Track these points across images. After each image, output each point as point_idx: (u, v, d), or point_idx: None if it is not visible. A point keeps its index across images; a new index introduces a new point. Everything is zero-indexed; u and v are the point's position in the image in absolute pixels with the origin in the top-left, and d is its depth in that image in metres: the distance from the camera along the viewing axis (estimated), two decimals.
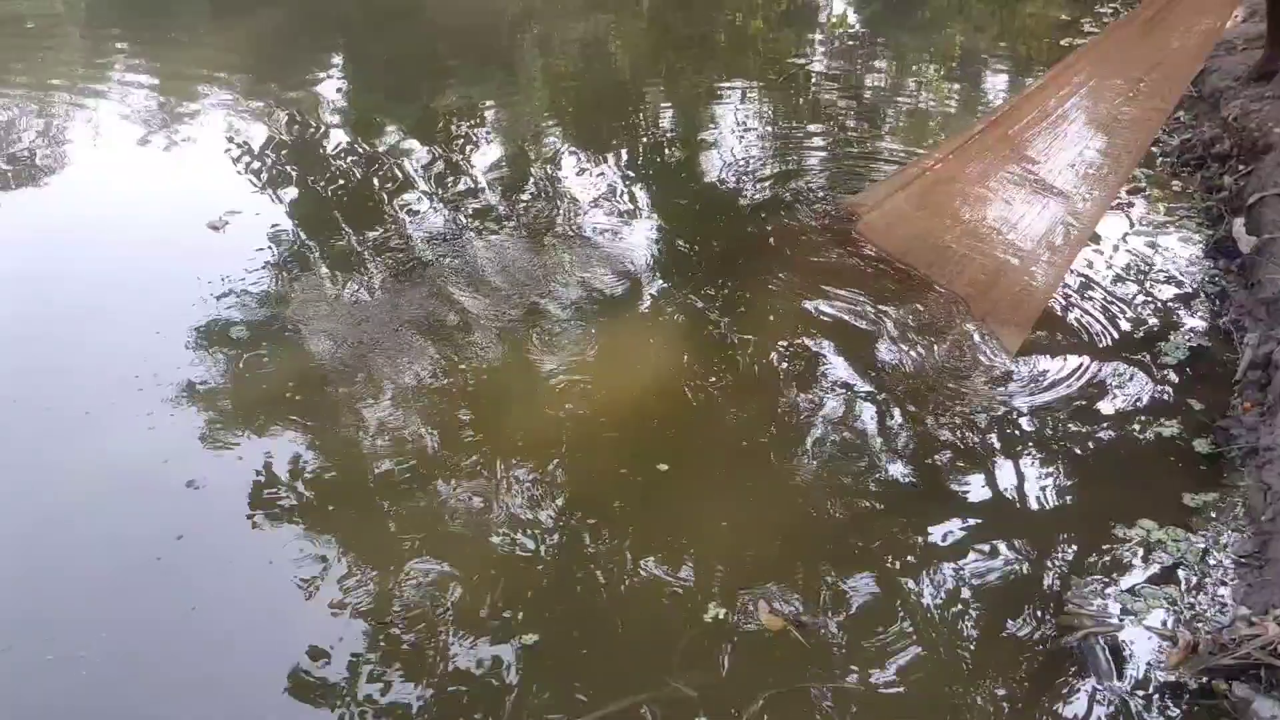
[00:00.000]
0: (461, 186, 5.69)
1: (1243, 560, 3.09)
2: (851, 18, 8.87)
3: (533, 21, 8.54)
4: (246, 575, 3.23)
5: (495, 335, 4.30)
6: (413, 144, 6.24)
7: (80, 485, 3.52)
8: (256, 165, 5.94)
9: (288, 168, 5.96)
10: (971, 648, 2.93)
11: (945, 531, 3.32)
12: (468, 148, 6.23)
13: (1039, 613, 3.02)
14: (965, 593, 3.10)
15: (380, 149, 6.22)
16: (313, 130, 6.49)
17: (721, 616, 3.01)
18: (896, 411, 3.83)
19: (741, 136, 6.25)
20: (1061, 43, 7.59)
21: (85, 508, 3.43)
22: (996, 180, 4.77)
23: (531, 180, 5.72)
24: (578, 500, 3.45)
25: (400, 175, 5.83)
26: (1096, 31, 7.58)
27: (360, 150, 6.23)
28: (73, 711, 2.79)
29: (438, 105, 6.84)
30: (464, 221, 5.24)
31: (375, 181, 5.77)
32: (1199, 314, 4.36)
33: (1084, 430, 3.70)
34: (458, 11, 8.86)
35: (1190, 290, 4.51)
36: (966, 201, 4.79)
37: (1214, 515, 3.29)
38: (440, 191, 5.64)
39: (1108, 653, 2.85)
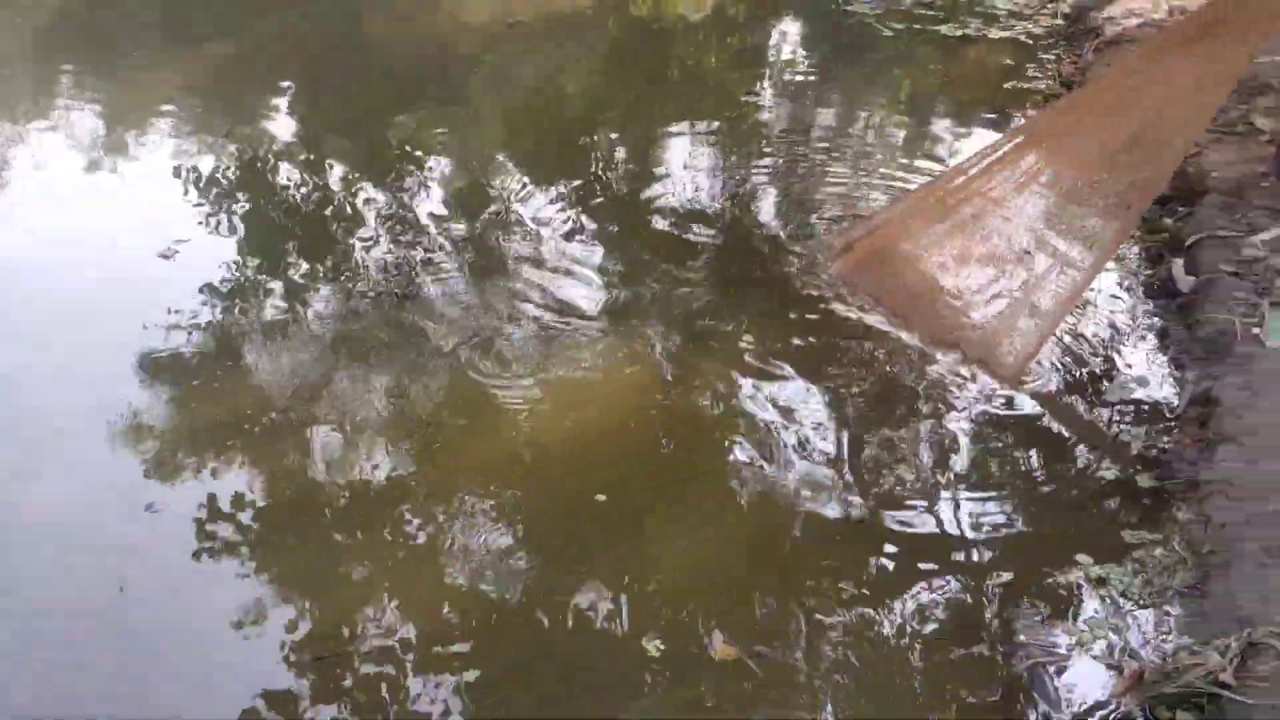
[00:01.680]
0: (413, 218, 5.67)
1: (1184, 592, 3.16)
2: (802, 59, 9.01)
3: (487, 55, 8.57)
4: (189, 614, 3.18)
5: (445, 368, 4.30)
6: (364, 175, 6.22)
7: (18, 520, 3.47)
8: (207, 195, 5.89)
9: (239, 197, 5.92)
10: (921, 678, 2.97)
11: (893, 565, 3.36)
12: (420, 180, 6.22)
13: (987, 644, 3.06)
14: (914, 624, 3.14)
15: (331, 180, 6.21)
16: (263, 161, 6.45)
17: (673, 648, 3.03)
18: (847, 448, 3.87)
19: (696, 173, 6.31)
20: (1005, 85, 7.79)
21: (19, 548, 3.38)
22: (989, 227, 4.81)
23: (484, 213, 5.72)
24: (526, 533, 3.47)
25: (351, 206, 5.82)
26: (1040, 76, 7.79)
27: (311, 181, 6.20)
28: None
29: (390, 137, 6.82)
30: (416, 253, 5.23)
31: (326, 212, 5.76)
32: (1141, 353, 4.46)
33: (1028, 469, 3.77)
34: (411, 46, 8.85)
35: (1131, 330, 4.62)
36: (956, 247, 4.83)
37: (1156, 549, 3.36)
38: (391, 222, 5.62)
39: (1055, 681, 2.91)
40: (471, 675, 2.95)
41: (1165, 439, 3.87)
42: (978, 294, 4.57)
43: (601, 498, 3.60)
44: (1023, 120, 6.97)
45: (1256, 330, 4.05)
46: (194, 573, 3.34)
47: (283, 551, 3.44)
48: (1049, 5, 9.36)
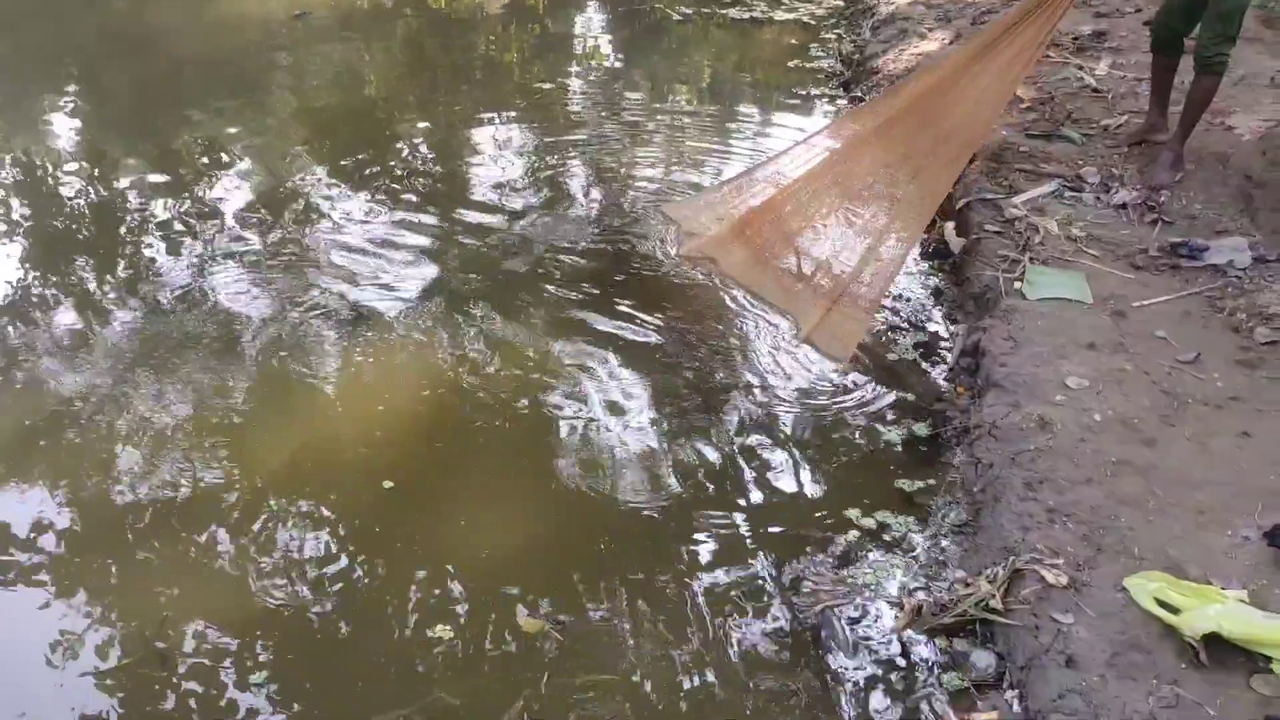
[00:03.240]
0: (209, 220, 5.49)
1: (958, 529, 3.38)
2: (605, 46, 9.10)
3: (281, 51, 8.31)
4: None
5: (245, 369, 4.22)
6: (157, 179, 5.98)
7: None
8: None
9: (22, 208, 5.63)
10: (722, 633, 3.08)
11: (692, 532, 3.45)
12: (215, 180, 6.01)
13: (779, 596, 3.20)
14: (713, 585, 3.25)
15: (121, 185, 5.95)
16: (48, 168, 6.13)
17: (477, 622, 3.06)
18: (651, 425, 3.97)
19: (501, 161, 6.30)
20: (789, 64, 8.08)
21: None
22: (816, 208, 4.98)
23: (282, 211, 5.58)
24: (318, 526, 3.44)
25: (144, 211, 5.60)
26: (824, 55, 8.10)
27: (100, 187, 5.93)
28: None
29: (182, 138, 6.57)
30: (213, 255, 5.08)
31: (118, 218, 5.52)
32: (921, 313, 4.72)
33: (817, 431, 3.93)
34: (201, 42, 8.51)
35: (911, 292, 4.88)
36: (790, 224, 4.95)
37: (934, 492, 3.59)
38: (188, 226, 5.42)
39: (844, 623, 3.07)
40: (259, 677, 2.93)
41: (941, 389, 4.13)
42: (809, 274, 4.74)
43: (389, 484, 3.61)
44: (827, 104, 7.25)
45: (1019, 284, 4.35)
46: None
47: (71, 559, 3.31)
48: None
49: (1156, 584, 2.85)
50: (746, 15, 9.25)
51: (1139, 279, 4.35)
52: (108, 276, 4.95)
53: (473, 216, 5.55)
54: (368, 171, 6.05)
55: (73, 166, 6.23)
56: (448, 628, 3.06)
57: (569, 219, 5.55)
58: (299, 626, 3.08)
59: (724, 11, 9.33)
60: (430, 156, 6.42)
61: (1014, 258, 4.52)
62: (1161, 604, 2.78)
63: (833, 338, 4.35)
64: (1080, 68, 6.38)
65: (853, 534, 3.41)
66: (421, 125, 6.97)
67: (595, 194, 5.91)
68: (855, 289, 4.51)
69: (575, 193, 5.92)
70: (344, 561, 3.30)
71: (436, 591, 3.19)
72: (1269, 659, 2.64)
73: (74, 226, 5.52)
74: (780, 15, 9.22)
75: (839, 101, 7.27)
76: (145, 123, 6.88)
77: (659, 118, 7.17)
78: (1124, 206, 4.88)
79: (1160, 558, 2.97)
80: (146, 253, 5.17)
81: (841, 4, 9.37)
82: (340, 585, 3.22)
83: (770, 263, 4.83)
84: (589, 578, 3.25)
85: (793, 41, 8.62)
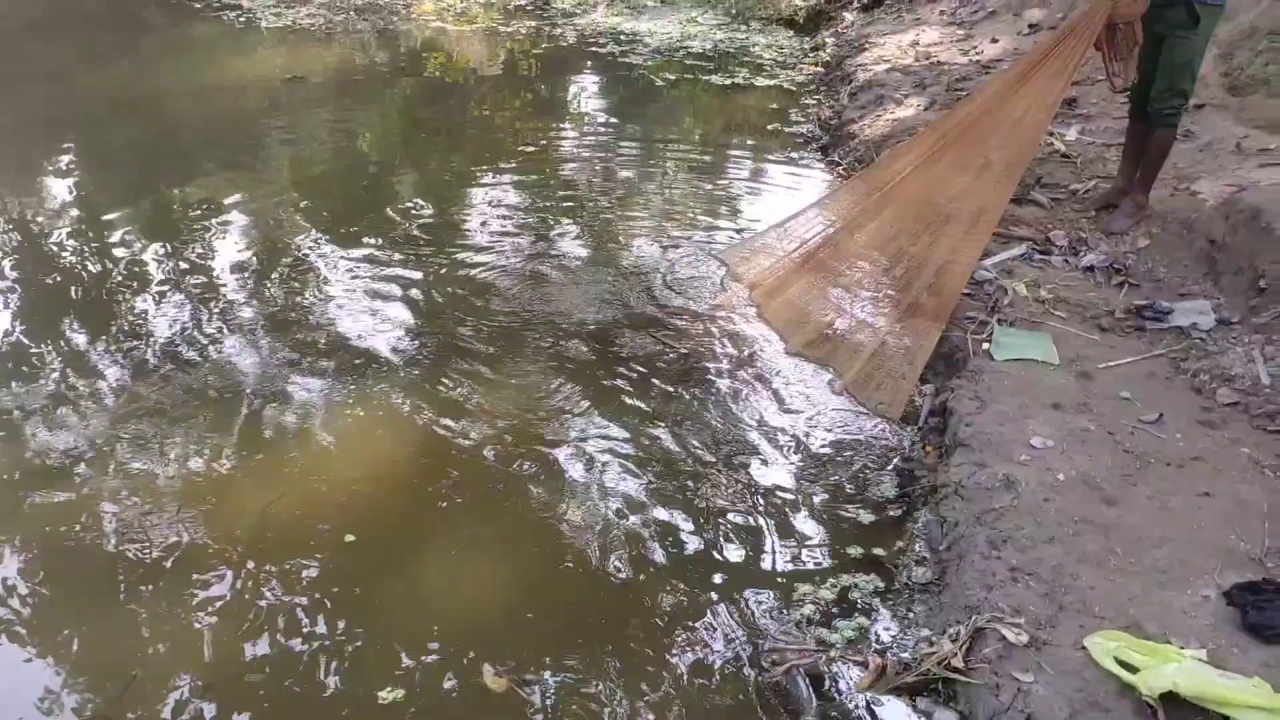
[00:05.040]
0: (203, 280, 5.57)
1: (924, 587, 3.41)
2: (595, 109, 9.27)
3: (276, 114, 8.46)
4: None
5: (230, 426, 4.26)
6: (152, 240, 6.07)
7: None
8: None
9: (19, 265, 5.69)
10: (686, 689, 3.09)
11: (661, 593, 3.46)
12: (210, 241, 6.10)
13: (749, 657, 3.21)
14: (682, 646, 3.25)
15: (117, 245, 6.03)
16: (47, 226, 6.22)
17: (441, 679, 3.07)
18: (627, 486, 4.00)
19: (492, 221, 6.40)
20: (768, 128, 8.25)
21: None
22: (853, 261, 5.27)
23: (275, 270, 5.67)
24: (293, 584, 3.45)
25: (139, 271, 5.66)
26: (803, 120, 8.28)
27: (96, 247, 6.01)
28: None
29: (180, 199, 6.68)
30: (206, 316, 5.14)
31: (114, 278, 5.59)
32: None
33: (789, 493, 3.95)
34: (198, 105, 8.67)
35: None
36: (829, 276, 5.24)
37: (902, 552, 3.62)
38: (181, 287, 5.49)
39: (808, 682, 3.08)
40: None
41: (909, 449, 4.18)
42: (846, 326, 4.95)
43: (351, 538, 3.63)
44: (807, 168, 7.41)
45: (986, 345, 4.42)
46: None
47: (36, 618, 3.31)
48: (810, 54, 9.96)
49: (1116, 643, 2.88)
50: (729, 81, 9.45)
51: (1105, 340, 4.43)
52: (99, 335, 4.99)
53: (463, 275, 5.64)
54: (360, 231, 6.14)
55: (68, 227, 6.31)
56: (411, 685, 3.06)
57: (560, 278, 5.63)
58: (271, 686, 3.08)
59: (707, 78, 9.53)
60: (423, 216, 6.51)
61: (982, 319, 4.61)
62: (1121, 663, 2.81)
63: (876, 391, 4.45)
64: (1051, 133, 6.52)
65: (822, 594, 3.43)
66: (415, 186, 7.09)
67: (587, 253, 5.99)
68: (894, 344, 4.64)
69: (567, 251, 6.01)
70: (306, 620, 3.30)
71: (406, 650, 3.20)
72: (1226, 718, 2.67)
73: (67, 285, 5.56)
74: (761, 81, 9.43)
75: (816, 166, 7.41)
76: (142, 184, 6.99)
77: (649, 179, 7.30)
78: (1091, 269, 4.98)
79: (1120, 616, 3.00)
80: (138, 311, 5.23)
81: (820, 71, 9.59)
82: (306, 645, 3.22)
83: (810, 313, 5.05)
84: (557, 637, 3.27)
85: (774, 106, 8.81)
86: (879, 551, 3.62)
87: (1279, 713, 2.59)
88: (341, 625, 3.29)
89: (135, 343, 4.88)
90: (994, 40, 8.77)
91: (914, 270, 4.99)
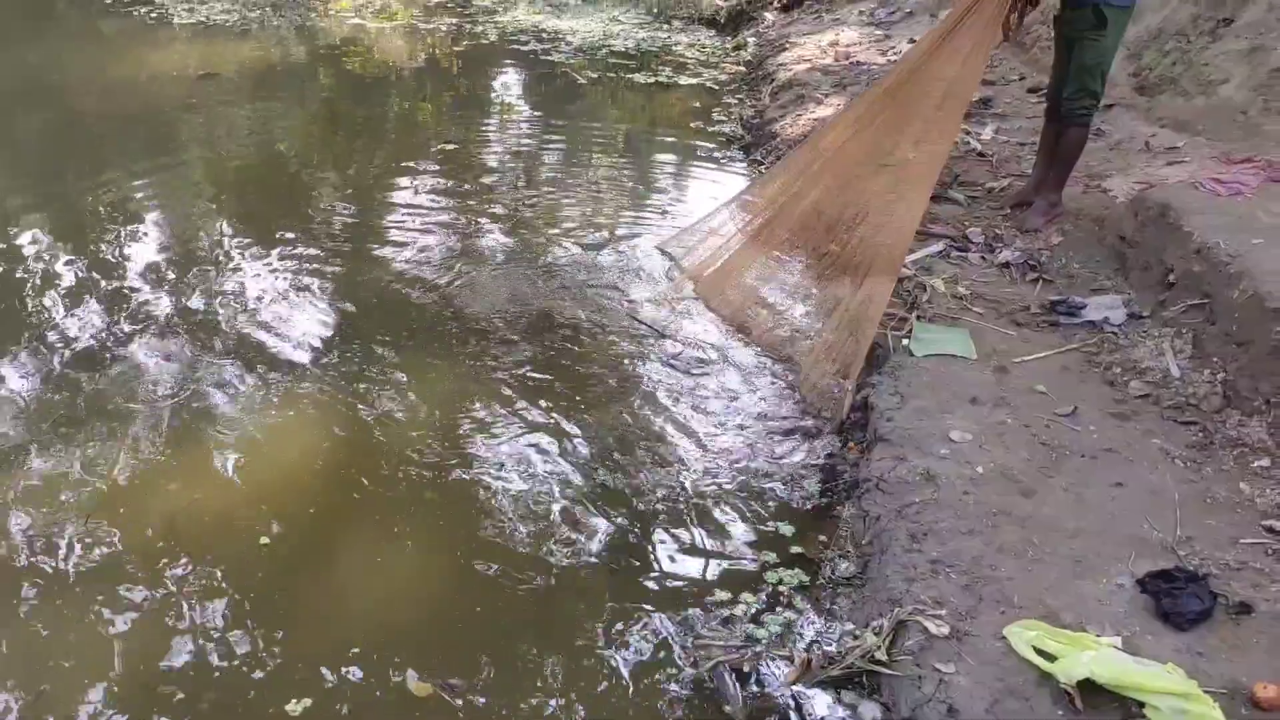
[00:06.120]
0: (113, 281, 5.40)
1: (848, 581, 3.43)
2: (517, 105, 9.21)
3: (189, 110, 8.24)
4: None
5: (143, 429, 4.14)
6: (59, 239, 5.88)
7: None
8: None
9: None
10: (618, 692, 3.07)
11: (587, 594, 3.44)
12: (120, 241, 5.92)
13: (676, 656, 3.21)
14: (608, 645, 3.23)
15: (21, 244, 5.83)
16: None
17: (365, 685, 3.01)
18: (554, 488, 3.97)
19: (413, 218, 6.31)
20: (691, 125, 8.28)
21: None
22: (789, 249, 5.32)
23: (190, 268, 5.52)
24: (208, 589, 3.36)
25: (45, 271, 5.48)
26: (725, 120, 8.31)
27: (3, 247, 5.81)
28: None
29: (88, 196, 6.47)
30: (115, 319, 4.99)
31: (17, 278, 5.41)
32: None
33: (715, 491, 3.95)
34: (106, 101, 8.41)
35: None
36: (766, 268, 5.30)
37: (826, 546, 3.64)
38: (89, 287, 5.32)
39: (734, 677, 3.08)
40: None
41: (832, 445, 4.20)
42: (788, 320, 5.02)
43: (265, 541, 3.56)
44: (730, 166, 7.43)
45: (906, 341, 4.47)
46: None
47: None
48: (732, 54, 10.02)
49: (1035, 632, 2.92)
50: (652, 80, 9.46)
51: (1020, 335, 4.52)
52: (2, 340, 4.80)
53: (383, 275, 5.56)
54: (277, 230, 6.01)
55: None
56: (328, 693, 3.00)
57: (482, 277, 5.57)
58: (184, 698, 2.99)
59: (630, 76, 9.53)
60: (342, 215, 6.40)
61: (901, 315, 4.66)
62: (1039, 651, 2.86)
63: (820, 393, 4.45)
64: (967, 132, 6.63)
65: (747, 590, 3.44)
66: (334, 184, 6.97)
67: (510, 251, 5.93)
68: (832, 339, 4.64)
69: (489, 250, 5.94)
70: (220, 627, 3.22)
71: (325, 657, 3.13)
72: (1141, 705, 2.72)
73: None
74: (685, 80, 9.45)
75: (738, 164, 7.45)
76: (47, 181, 6.76)
77: (572, 177, 7.27)
78: (1007, 265, 5.07)
79: (1038, 606, 3.05)
80: (46, 314, 5.06)
81: (742, 70, 9.64)
82: (220, 653, 3.13)
83: (753, 306, 5.10)
84: (482, 641, 3.22)
85: (696, 105, 8.83)
86: (804, 547, 3.64)
87: (1191, 697, 2.65)
88: (258, 632, 3.21)
89: (42, 347, 4.71)
90: (912, 40, 8.90)
91: (854, 242, 5.01)
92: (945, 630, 2.97)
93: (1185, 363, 4.18)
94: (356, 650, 3.15)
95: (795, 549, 3.63)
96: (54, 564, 3.44)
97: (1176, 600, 3.00)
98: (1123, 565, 3.20)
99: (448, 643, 3.22)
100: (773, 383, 4.65)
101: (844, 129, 5.44)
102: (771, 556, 3.59)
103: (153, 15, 10.67)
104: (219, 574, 3.42)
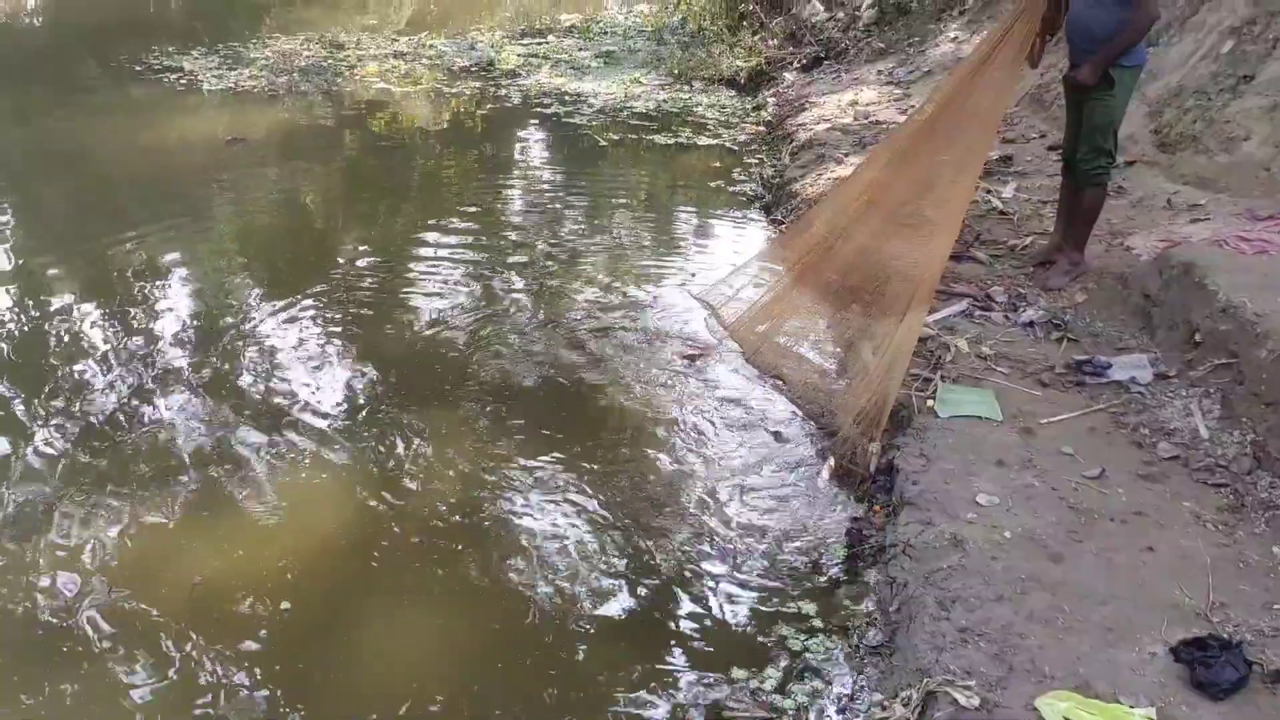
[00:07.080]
0: (140, 343, 5.46)
1: (875, 650, 3.38)
2: (541, 167, 9.31)
3: (217, 173, 8.35)
4: None
5: (168, 491, 4.16)
6: (88, 299, 5.94)
7: None
8: None
9: None
10: None
11: (612, 661, 3.41)
12: (148, 302, 5.99)
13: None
14: (634, 714, 3.20)
15: (51, 305, 5.90)
16: None
17: None
18: (576, 554, 3.94)
19: (438, 279, 6.36)
20: (711, 185, 8.35)
21: None
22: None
23: (216, 331, 5.57)
24: (227, 652, 3.35)
25: (74, 333, 5.54)
26: (745, 179, 8.36)
27: (29, 306, 5.88)
28: None
29: (117, 258, 6.55)
30: (142, 380, 5.02)
31: (47, 339, 5.48)
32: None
33: (741, 558, 3.90)
34: (136, 164, 8.52)
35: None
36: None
37: (852, 613, 3.59)
38: (118, 348, 5.38)
39: None
40: None
41: (857, 509, 4.16)
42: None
43: (286, 605, 3.55)
44: (752, 225, 7.48)
45: (930, 402, 4.45)
46: None
47: None
48: (752, 114, 10.11)
49: (1067, 703, 2.87)
50: (672, 141, 9.53)
51: (1046, 396, 4.48)
52: (31, 399, 4.83)
53: (408, 337, 5.59)
54: (303, 292, 6.04)
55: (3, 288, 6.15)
56: None
57: (507, 337, 5.58)
58: None
59: (651, 137, 9.61)
60: (367, 276, 6.44)
61: (926, 376, 4.64)
62: None
63: (851, 451, 4.41)
64: (988, 191, 6.64)
65: (776, 658, 3.39)
66: (359, 246, 7.03)
67: (535, 314, 5.94)
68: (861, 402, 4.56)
69: (515, 312, 5.96)
70: (244, 693, 3.20)
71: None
72: None
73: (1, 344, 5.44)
74: (704, 140, 9.52)
75: (759, 223, 7.49)
76: (78, 243, 6.84)
77: (596, 237, 7.32)
78: (1031, 325, 5.05)
79: (1070, 676, 2.99)
80: (75, 376, 5.08)
81: (762, 130, 9.71)
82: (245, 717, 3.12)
83: (790, 357, 5.15)
84: (503, 704, 3.19)
85: (717, 165, 8.89)
86: (830, 614, 3.59)
87: None
88: (280, 697, 3.19)
89: (69, 408, 4.74)
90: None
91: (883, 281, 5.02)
92: (975, 701, 2.91)
93: (1214, 423, 4.13)
94: (375, 717, 3.12)
95: (822, 615, 3.59)
96: (74, 627, 3.43)
97: (1211, 669, 2.94)
98: (1155, 633, 3.14)
99: (470, 708, 3.18)
100: (803, 441, 4.64)
101: (884, 166, 5.42)
102: (797, 624, 3.55)
103: (182, 82, 10.85)
104: (240, 639, 3.41)
